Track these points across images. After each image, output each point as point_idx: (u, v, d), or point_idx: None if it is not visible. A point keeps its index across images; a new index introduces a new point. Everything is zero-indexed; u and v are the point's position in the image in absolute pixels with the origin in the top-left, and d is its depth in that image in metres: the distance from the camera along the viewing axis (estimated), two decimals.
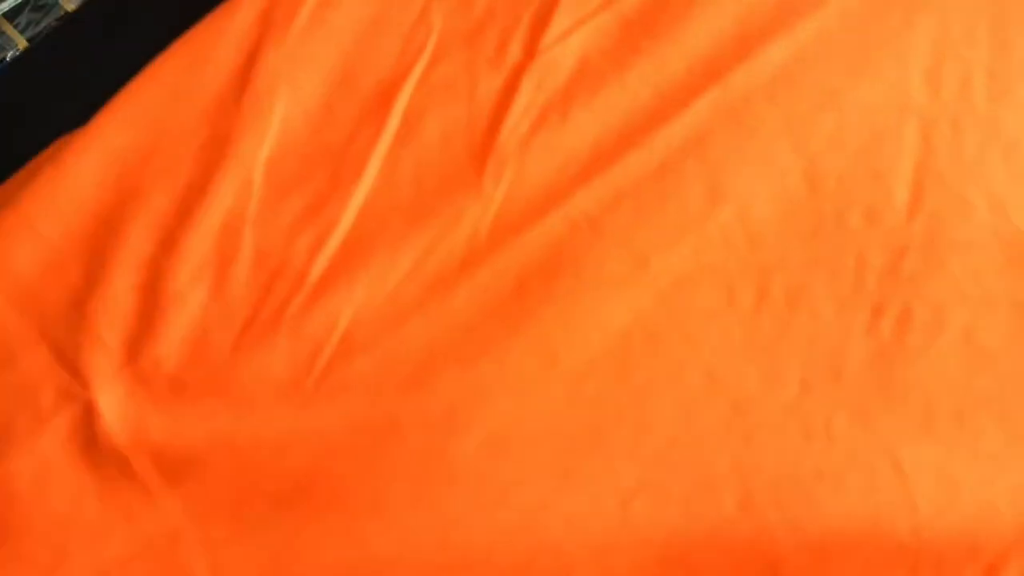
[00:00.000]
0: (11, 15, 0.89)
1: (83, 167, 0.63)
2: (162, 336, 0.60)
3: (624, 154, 0.62)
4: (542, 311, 0.59)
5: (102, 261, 0.62)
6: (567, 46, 0.66)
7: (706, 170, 0.61)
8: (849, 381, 0.57)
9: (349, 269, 0.62)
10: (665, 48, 0.64)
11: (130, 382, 0.60)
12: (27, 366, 0.60)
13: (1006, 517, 0.53)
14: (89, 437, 0.58)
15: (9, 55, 0.87)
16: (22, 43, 0.90)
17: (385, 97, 0.65)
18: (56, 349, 0.60)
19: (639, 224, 0.60)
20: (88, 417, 0.59)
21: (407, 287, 0.61)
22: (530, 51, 0.65)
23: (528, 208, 0.62)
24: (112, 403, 0.59)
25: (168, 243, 0.62)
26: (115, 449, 0.58)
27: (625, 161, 0.62)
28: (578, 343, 0.58)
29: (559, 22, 0.66)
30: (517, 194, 0.62)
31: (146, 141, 0.64)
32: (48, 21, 0.88)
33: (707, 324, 0.58)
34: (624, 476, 0.55)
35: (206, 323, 0.61)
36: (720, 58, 0.64)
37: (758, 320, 0.58)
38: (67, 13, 0.88)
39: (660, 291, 0.59)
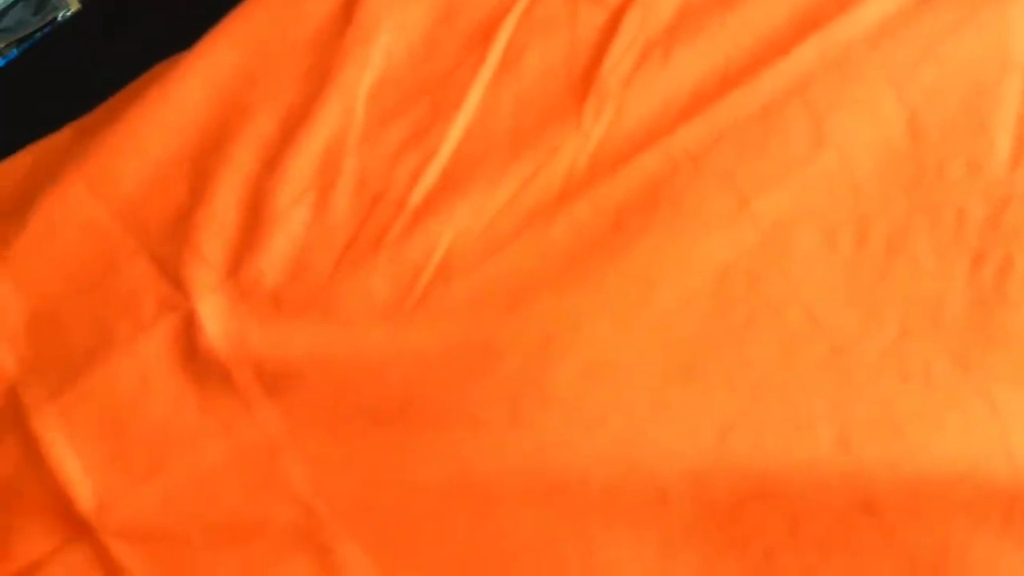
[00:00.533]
0: None
1: (189, 86, 0.64)
2: (264, 253, 0.61)
3: (726, 95, 0.62)
4: (640, 245, 0.60)
5: (206, 178, 0.63)
6: None
7: (809, 115, 0.61)
8: (948, 327, 0.57)
9: (448, 197, 0.62)
10: None
11: (231, 295, 0.60)
12: (129, 275, 0.61)
13: None
14: (190, 346, 0.59)
15: (60, 15, 0.87)
16: (75, 5, 0.91)
17: (487, 32, 0.66)
18: (158, 261, 0.61)
19: (741, 164, 0.61)
20: (189, 327, 0.59)
21: (505, 216, 0.62)
22: None
23: (628, 144, 0.62)
24: (213, 314, 0.60)
25: (271, 164, 0.63)
26: (215, 359, 0.59)
27: (727, 102, 0.62)
28: (676, 278, 0.59)
29: None
30: (617, 130, 0.63)
31: (251, 65, 0.65)
32: None
33: (808, 266, 0.59)
34: (721, 409, 0.56)
35: (307, 243, 0.62)
36: (822, 8, 0.64)
37: (858, 265, 0.58)
38: None
39: (761, 231, 0.59)
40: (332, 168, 0.63)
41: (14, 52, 0.90)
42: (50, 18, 0.92)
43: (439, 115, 0.64)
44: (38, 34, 0.90)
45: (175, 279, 0.61)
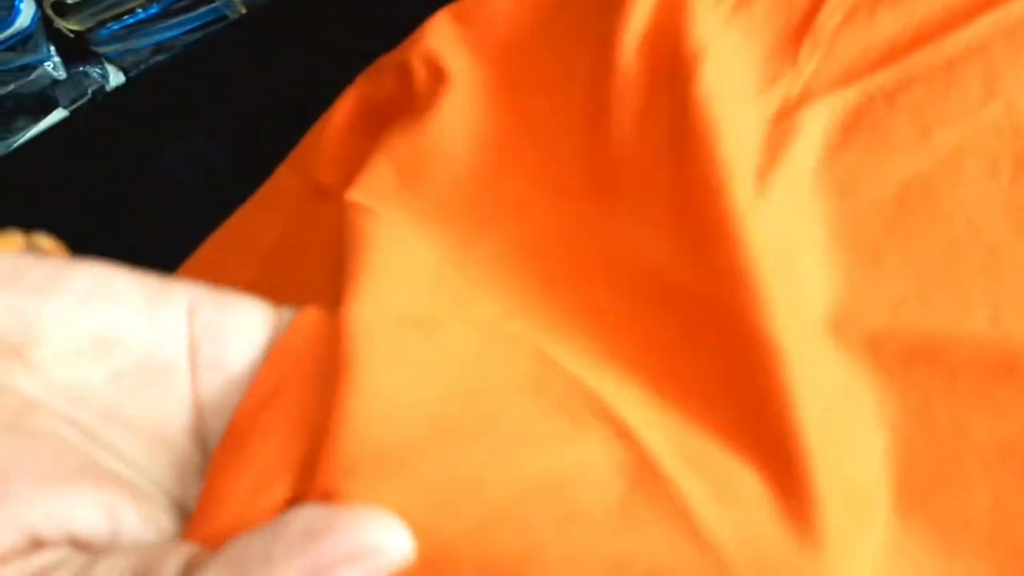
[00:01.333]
0: None
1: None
2: None
3: (917, 49, 0.77)
4: (840, 158, 0.75)
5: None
6: None
7: (984, 71, 0.76)
8: None
9: None
10: None
11: None
12: None
13: None
14: None
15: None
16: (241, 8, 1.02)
17: None
18: None
19: (927, 103, 0.76)
20: None
21: None
22: None
23: (833, 81, 0.78)
24: None
25: None
26: None
27: (918, 55, 0.77)
28: (868, 186, 0.74)
29: None
30: (825, 69, 0.78)
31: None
32: None
33: (973, 187, 0.73)
34: (896, 288, 0.71)
35: None
36: None
37: (1013, 190, 0.73)
38: None
39: (938, 157, 0.74)
40: None
41: (154, 8, 1.02)
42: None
43: None
44: None
45: None
